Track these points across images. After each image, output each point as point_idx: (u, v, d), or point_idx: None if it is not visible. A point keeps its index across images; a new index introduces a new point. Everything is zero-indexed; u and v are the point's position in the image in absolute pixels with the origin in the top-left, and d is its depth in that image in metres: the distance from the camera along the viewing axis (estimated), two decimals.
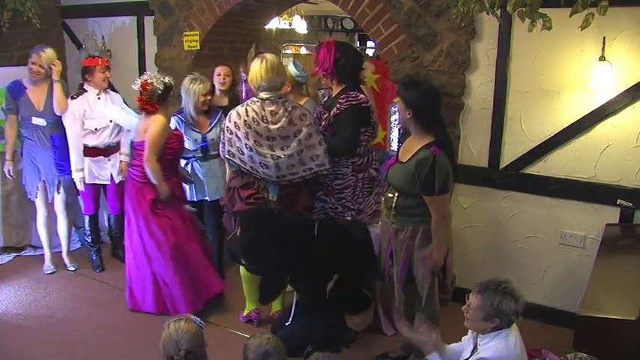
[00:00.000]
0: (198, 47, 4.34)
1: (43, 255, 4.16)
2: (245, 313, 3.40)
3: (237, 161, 3.00)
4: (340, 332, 3.07)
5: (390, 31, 3.45)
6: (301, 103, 3.49)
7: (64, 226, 4.09)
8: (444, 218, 2.58)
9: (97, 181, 4.04)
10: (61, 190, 4.00)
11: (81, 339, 3.22)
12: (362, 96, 3.04)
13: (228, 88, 4.01)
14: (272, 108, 2.98)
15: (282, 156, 2.97)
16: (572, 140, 3.12)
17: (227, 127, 3.00)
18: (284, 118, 2.98)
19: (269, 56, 3.03)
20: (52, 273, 4.04)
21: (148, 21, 4.67)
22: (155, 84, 3.33)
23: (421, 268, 2.63)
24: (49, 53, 3.85)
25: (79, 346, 3.15)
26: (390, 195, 2.66)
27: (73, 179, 3.99)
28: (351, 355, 3.07)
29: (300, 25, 8.01)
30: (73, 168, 3.99)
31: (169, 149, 3.38)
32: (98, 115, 3.92)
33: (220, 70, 3.98)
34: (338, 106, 3.00)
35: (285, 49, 8.29)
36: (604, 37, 2.87)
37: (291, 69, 3.54)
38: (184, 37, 4.38)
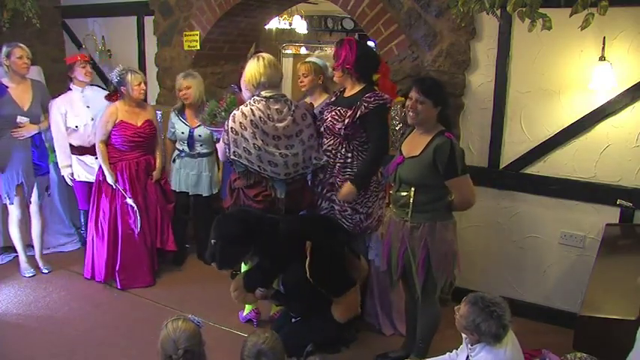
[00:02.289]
0: (198, 47, 4.34)
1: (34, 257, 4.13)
2: (245, 313, 3.40)
3: (244, 161, 2.97)
4: (340, 332, 3.08)
5: (390, 31, 3.45)
6: (322, 100, 3.49)
7: (37, 227, 4.06)
8: (469, 203, 2.62)
9: (85, 179, 4.06)
10: (35, 191, 3.96)
11: (81, 339, 3.22)
12: (387, 96, 3.03)
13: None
14: (277, 106, 3.00)
15: (289, 154, 2.99)
16: (572, 140, 3.12)
17: (232, 127, 2.96)
18: (289, 117, 3.01)
19: (265, 54, 3.06)
20: (33, 276, 4.00)
21: (148, 21, 4.68)
22: (112, 76, 3.76)
23: (440, 264, 2.62)
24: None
25: (79, 346, 3.15)
26: (404, 193, 2.62)
27: (47, 179, 4.10)
28: (351, 355, 3.08)
29: (300, 25, 8.00)
30: (60, 165, 4.08)
31: (114, 137, 3.74)
32: (79, 112, 3.95)
33: None
34: (365, 104, 2.94)
35: (285, 49, 8.29)
36: (604, 37, 2.87)
37: (319, 61, 3.62)
38: (184, 37, 4.39)
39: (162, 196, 3.98)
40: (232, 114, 2.99)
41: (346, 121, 2.97)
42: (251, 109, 2.96)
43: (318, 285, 2.87)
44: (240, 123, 2.94)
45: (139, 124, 3.77)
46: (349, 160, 3.04)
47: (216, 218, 2.96)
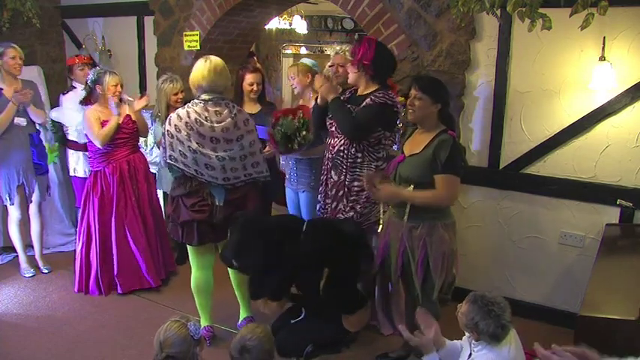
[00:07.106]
0: (198, 47, 4.34)
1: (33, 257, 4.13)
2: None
3: (181, 165, 2.86)
4: (341, 332, 3.08)
5: (390, 31, 3.45)
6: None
7: (37, 227, 4.06)
8: (446, 202, 2.58)
9: (85, 176, 4.08)
10: (36, 191, 3.96)
11: (81, 339, 3.22)
12: (398, 99, 2.99)
13: (259, 96, 3.88)
14: (217, 108, 2.89)
15: (227, 157, 2.89)
16: (572, 140, 3.12)
17: (167, 130, 2.86)
18: (229, 119, 2.89)
19: (213, 58, 2.93)
20: (33, 276, 4.00)
21: (148, 21, 4.68)
22: (89, 76, 3.68)
23: (439, 263, 2.62)
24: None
25: (79, 345, 3.15)
26: None
27: (47, 179, 4.13)
28: (351, 355, 3.08)
29: (300, 25, 8.00)
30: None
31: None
32: (79, 110, 3.95)
33: (252, 79, 3.82)
34: (372, 98, 2.89)
35: (285, 49, 8.29)
36: (604, 37, 2.87)
37: (308, 61, 3.66)
38: (184, 37, 4.39)
39: (155, 196, 3.94)
40: (169, 117, 2.90)
41: None
42: (187, 111, 2.86)
43: (330, 303, 2.88)
44: (176, 125, 2.84)
45: (120, 121, 3.66)
46: (359, 160, 3.02)
47: (233, 229, 2.85)
